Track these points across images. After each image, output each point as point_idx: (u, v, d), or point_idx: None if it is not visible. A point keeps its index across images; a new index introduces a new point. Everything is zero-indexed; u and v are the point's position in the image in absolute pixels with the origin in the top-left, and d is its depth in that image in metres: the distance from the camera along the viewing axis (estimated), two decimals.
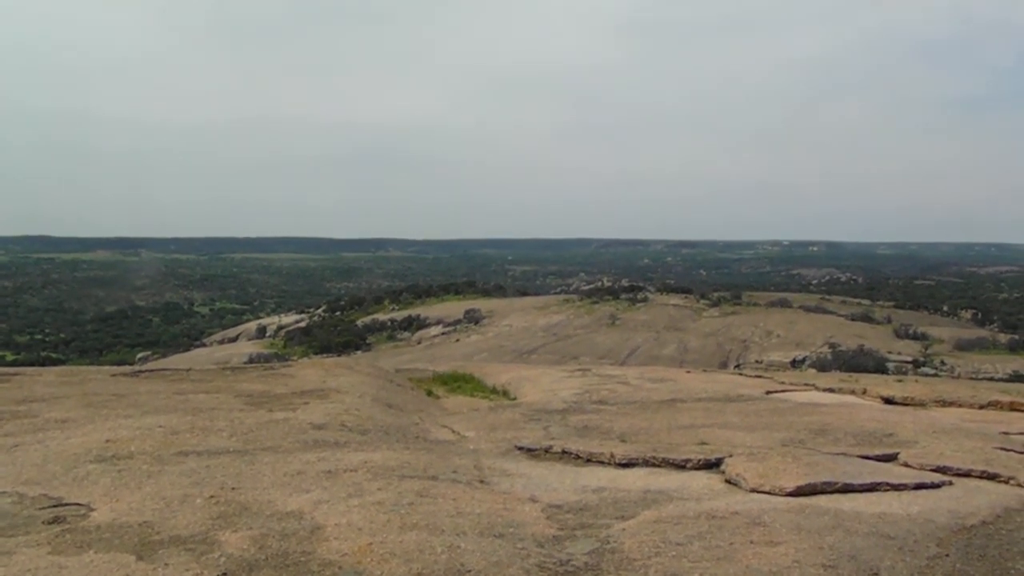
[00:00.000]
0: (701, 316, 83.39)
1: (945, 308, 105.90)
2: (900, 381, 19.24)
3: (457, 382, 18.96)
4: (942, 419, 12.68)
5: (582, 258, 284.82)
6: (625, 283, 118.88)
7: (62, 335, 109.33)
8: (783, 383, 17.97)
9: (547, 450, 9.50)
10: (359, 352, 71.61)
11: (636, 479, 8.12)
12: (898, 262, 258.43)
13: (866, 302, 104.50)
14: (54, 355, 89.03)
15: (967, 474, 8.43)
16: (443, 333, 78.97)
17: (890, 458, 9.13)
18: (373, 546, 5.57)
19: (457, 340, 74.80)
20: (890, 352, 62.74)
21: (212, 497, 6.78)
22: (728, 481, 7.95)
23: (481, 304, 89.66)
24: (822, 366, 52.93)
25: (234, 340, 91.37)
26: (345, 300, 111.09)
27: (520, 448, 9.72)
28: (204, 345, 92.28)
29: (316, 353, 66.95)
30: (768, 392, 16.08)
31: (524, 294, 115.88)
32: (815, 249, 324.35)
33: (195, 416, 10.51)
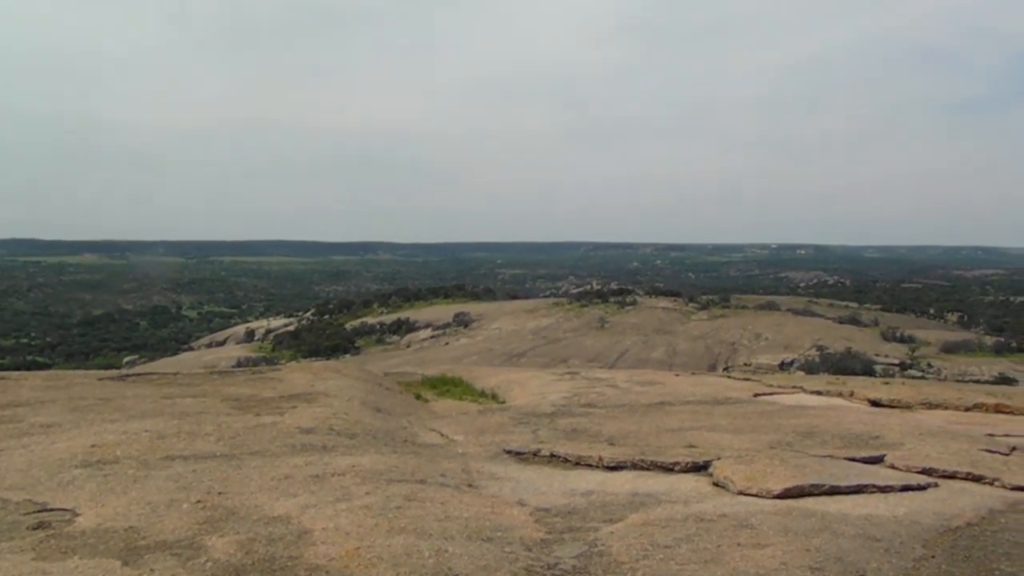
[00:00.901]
0: (690, 319, 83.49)
1: (932, 311, 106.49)
2: (887, 384, 19.29)
3: (446, 385, 18.94)
4: (928, 421, 12.72)
5: (571, 261, 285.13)
6: (614, 286, 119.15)
7: (48, 339, 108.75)
8: (771, 386, 18.00)
9: (535, 453, 9.51)
10: (348, 356, 71.51)
11: (624, 482, 8.13)
12: (885, 265, 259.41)
13: (854, 305, 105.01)
14: (40, 359, 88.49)
15: (953, 476, 8.46)
16: (432, 336, 78.90)
17: (877, 460, 9.17)
18: (360, 550, 5.56)
19: (446, 343, 74.75)
20: (877, 355, 62.88)
21: (199, 502, 6.76)
22: (716, 484, 7.97)
23: (470, 307, 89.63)
24: (810, 369, 53.03)
25: (222, 344, 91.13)
26: (334, 303, 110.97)
27: (508, 452, 9.72)
28: (192, 349, 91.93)
29: (304, 357, 66.89)
30: (756, 395, 16.11)
31: (513, 297, 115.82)
32: (803, 252, 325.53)
33: (182, 420, 10.47)
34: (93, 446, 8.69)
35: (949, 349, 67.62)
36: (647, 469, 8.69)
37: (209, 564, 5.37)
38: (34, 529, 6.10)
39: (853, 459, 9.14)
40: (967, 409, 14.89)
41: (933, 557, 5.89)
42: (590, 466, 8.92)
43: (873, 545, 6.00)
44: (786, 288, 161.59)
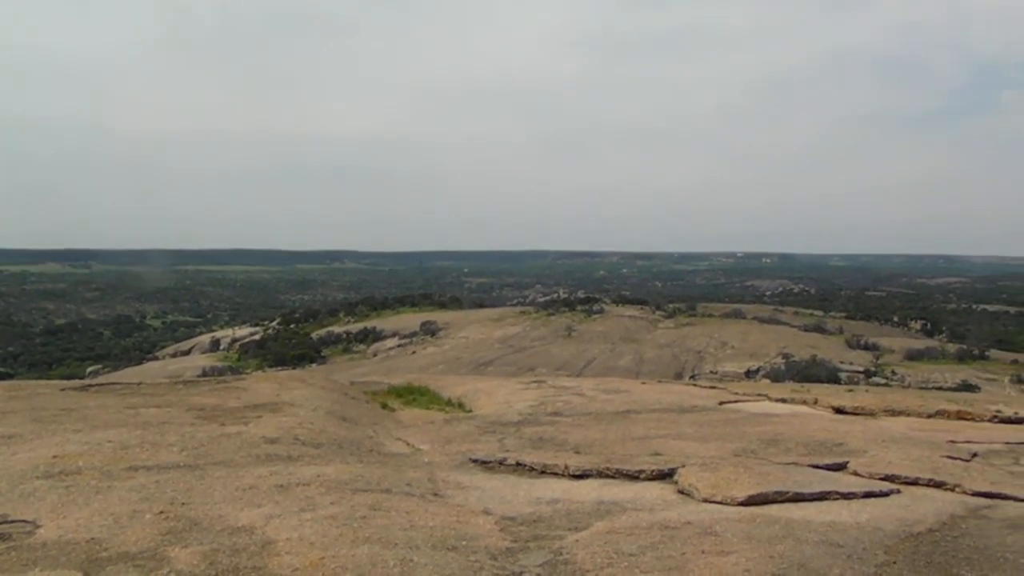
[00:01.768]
0: (656, 327, 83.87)
1: (896, 319, 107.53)
2: (851, 391, 19.46)
3: (412, 395, 18.87)
4: (891, 428, 12.82)
5: (538, 270, 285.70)
6: (581, 295, 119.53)
7: (10, 349, 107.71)
8: (736, 394, 18.08)
9: (501, 462, 9.50)
10: (314, 365, 71.30)
11: (590, 490, 8.14)
12: (850, 274, 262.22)
13: (819, 313, 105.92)
14: (1, 369, 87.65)
15: (915, 482, 8.54)
16: (399, 345, 78.78)
17: (840, 467, 9.23)
18: (325, 560, 5.54)
19: (413, 352, 74.63)
20: (842, 362, 63.48)
21: (162, 512, 6.70)
22: (681, 491, 8.00)
23: (437, 316, 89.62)
24: (776, 376, 53.41)
25: (187, 353, 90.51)
26: (300, 313, 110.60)
27: (475, 460, 9.71)
28: (156, 358, 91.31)
29: (270, 366, 66.59)
30: (721, 403, 16.17)
31: (480, 306, 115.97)
32: (768, 261, 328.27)
33: (145, 431, 10.38)
34: (55, 457, 8.59)
35: (913, 356, 68.43)
36: (613, 477, 8.71)
37: (172, 575, 5.34)
38: None
39: (817, 466, 9.20)
40: (929, 416, 15.03)
41: (895, 563, 5.94)
42: (556, 474, 8.93)
43: (836, 552, 6.05)
44: (752, 296, 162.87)
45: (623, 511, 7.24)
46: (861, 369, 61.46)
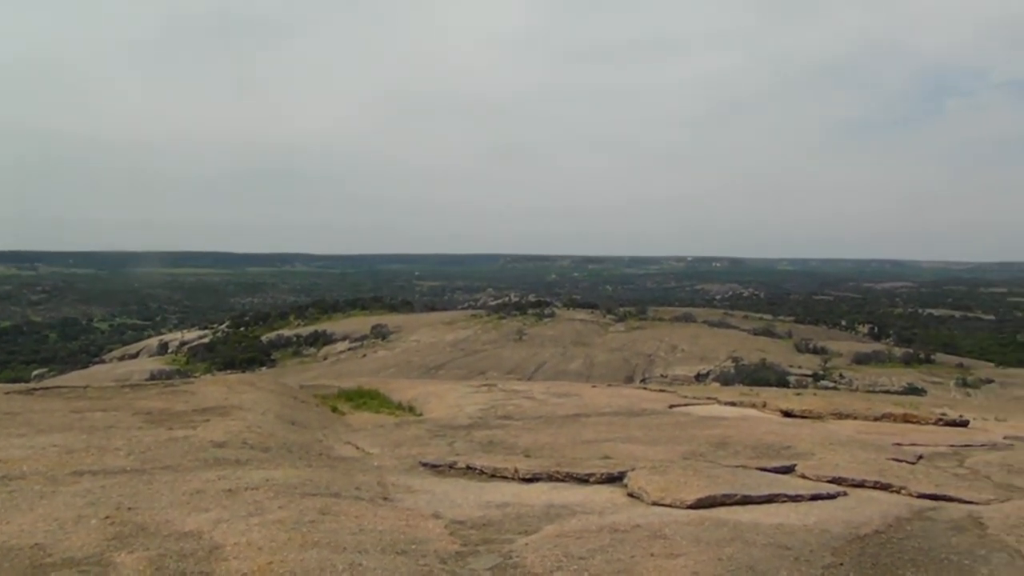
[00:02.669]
0: (607, 331, 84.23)
1: (843, 323, 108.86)
2: (799, 395, 19.68)
3: (363, 398, 18.81)
4: (838, 431, 12.97)
5: (490, 273, 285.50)
6: (532, 298, 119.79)
7: None
8: (686, 397, 18.23)
9: (451, 466, 9.49)
10: (264, 368, 70.79)
11: (540, 494, 8.14)
12: (799, 278, 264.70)
13: (768, 317, 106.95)
14: None
15: (861, 484, 8.64)
16: (350, 348, 78.45)
17: (788, 470, 9.31)
18: (273, 565, 5.49)
19: (364, 356, 74.37)
20: (791, 366, 64.19)
21: (108, 518, 6.61)
22: (630, 495, 8.03)
23: (388, 319, 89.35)
24: (726, 380, 53.87)
25: (135, 356, 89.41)
26: (250, 315, 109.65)
27: (424, 464, 9.68)
28: (103, 362, 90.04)
29: (220, 369, 66.10)
30: (671, 406, 16.29)
31: (432, 309, 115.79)
32: (718, 265, 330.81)
33: (91, 435, 10.25)
34: None
35: (860, 360, 69.39)
36: (563, 481, 8.72)
37: None
38: None
39: (765, 469, 9.27)
40: (876, 419, 15.23)
41: (842, 564, 6.00)
42: (506, 478, 8.93)
43: (783, 554, 6.10)
44: (702, 300, 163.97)
45: (573, 514, 7.25)
46: (809, 373, 62.22)
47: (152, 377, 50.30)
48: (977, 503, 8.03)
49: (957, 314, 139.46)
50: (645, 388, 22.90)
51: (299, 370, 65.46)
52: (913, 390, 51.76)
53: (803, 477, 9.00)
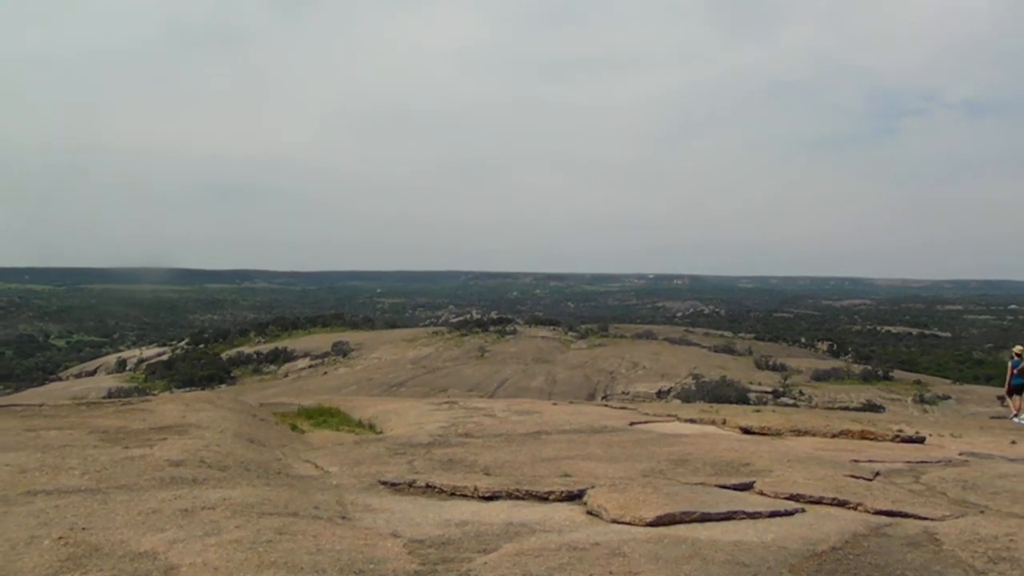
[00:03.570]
0: (569, 348, 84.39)
1: (803, 340, 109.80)
2: (758, 411, 19.79)
3: (323, 416, 18.72)
4: (797, 448, 13.04)
5: (451, 291, 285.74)
6: (494, 315, 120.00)
7: None
8: (647, 414, 18.27)
9: (411, 484, 9.43)
10: (223, 386, 70.23)
11: (499, 512, 8.11)
12: (758, 295, 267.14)
13: (728, 334, 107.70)
14: None
15: (819, 501, 8.68)
16: (310, 366, 78.02)
17: (746, 487, 9.34)
18: None
19: (325, 373, 73.98)
20: (751, 383, 64.58)
21: (61, 538, 6.51)
22: (590, 512, 8.02)
23: (349, 336, 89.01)
24: (686, 397, 54.13)
25: (92, 374, 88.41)
26: (209, 332, 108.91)
27: (384, 483, 9.62)
28: (60, 379, 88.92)
29: (178, 387, 65.55)
30: (632, 423, 16.31)
31: (393, 326, 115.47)
32: (679, 282, 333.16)
33: (45, 453, 10.10)
34: None
35: (819, 377, 70.06)
36: (522, 499, 8.70)
37: None
38: None
39: (724, 486, 9.29)
40: (834, 436, 15.33)
41: None
42: (466, 496, 8.89)
43: (742, 571, 6.11)
44: (663, 317, 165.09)
45: (532, 532, 7.23)
46: (769, 389, 62.63)
47: (109, 395, 49.79)
48: (932, 519, 8.09)
49: (914, 331, 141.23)
50: (607, 405, 22.93)
51: (259, 387, 64.98)
52: (871, 407, 52.32)
53: (761, 494, 9.03)
